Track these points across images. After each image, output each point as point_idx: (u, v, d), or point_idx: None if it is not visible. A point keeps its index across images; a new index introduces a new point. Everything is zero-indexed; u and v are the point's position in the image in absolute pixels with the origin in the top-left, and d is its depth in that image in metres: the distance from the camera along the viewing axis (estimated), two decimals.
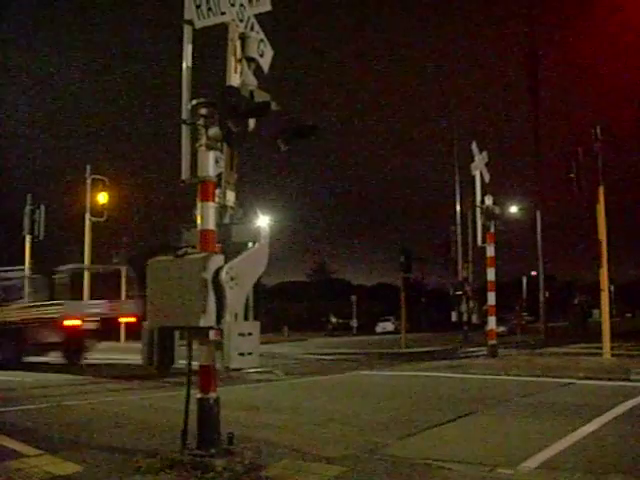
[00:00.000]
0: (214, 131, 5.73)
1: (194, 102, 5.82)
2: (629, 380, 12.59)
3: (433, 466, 5.88)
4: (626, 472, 5.65)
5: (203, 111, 5.77)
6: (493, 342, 19.21)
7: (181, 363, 5.80)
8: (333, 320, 63.37)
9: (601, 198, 17.16)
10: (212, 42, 6.40)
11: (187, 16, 6.00)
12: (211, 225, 5.76)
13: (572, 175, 17.49)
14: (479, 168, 19.95)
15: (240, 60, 6.08)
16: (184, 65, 6.00)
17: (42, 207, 27.16)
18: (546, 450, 6.44)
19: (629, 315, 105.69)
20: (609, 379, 12.74)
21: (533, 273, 63.14)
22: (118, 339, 34.89)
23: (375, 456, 6.33)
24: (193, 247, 5.76)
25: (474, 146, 20.18)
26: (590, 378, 12.96)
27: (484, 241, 19.31)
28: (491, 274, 19.48)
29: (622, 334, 30.27)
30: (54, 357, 18.61)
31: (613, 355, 17.12)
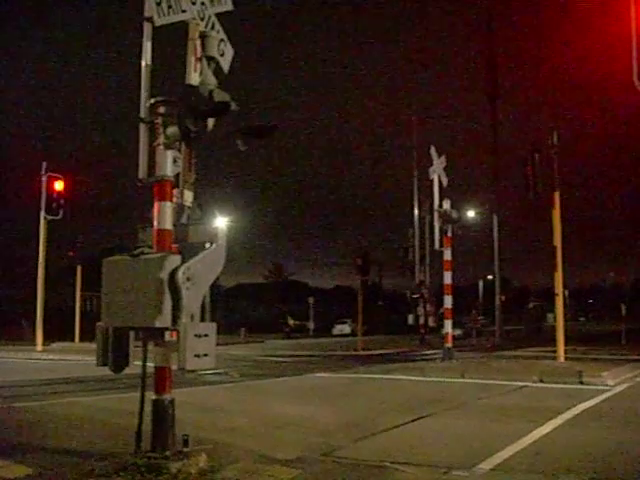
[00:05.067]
0: (172, 130, 5.67)
1: (153, 100, 5.76)
2: (582, 383, 12.76)
3: (388, 468, 5.89)
4: (579, 473, 5.72)
5: (162, 110, 5.70)
6: (449, 345, 19.32)
7: (136, 364, 5.72)
8: (290, 322, 63.13)
9: (556, 203, 17.36)
10: (173, 40, 6.34)
11: (147, 13, 5.93)
12: (168, 225, 5.70)
13: (528, 180, 17.68)
14: (437, 172, 20.06)
15: (200, 59, 6.02)
16: (143, 63, 5.93)
17: None
18: (501, 452, 6.50)
19: (582, 319, 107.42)
20: (562, 382, 12.90)
21: (489, 277, 63.80)
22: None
23: (331, 458, 6.32)
24: (150, 247, 5.69)
25: (433, 150, 20.28)
26: (544, 381, 13.11)
27: (441, 245, 19.41)
28: (448, 278, 19.60)
29: (575, 338, 30.70)
30: None
31: (567, 358, 17.33)
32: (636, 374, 14.46)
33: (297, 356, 27.06)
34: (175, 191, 5.87)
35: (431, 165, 20.30)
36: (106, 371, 5.71)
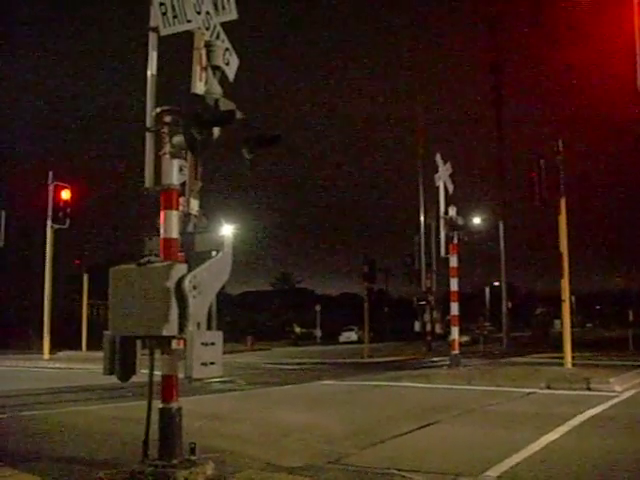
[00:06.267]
0: (178, 139, 5.69)
1: (158, 109, 5.78)
2: (589, 390, 12.73)
3: (395, 476, 5.89)
4: None
5: (167, 119, 5.73)
6: (456, 352, 19.29)
7: (143, 373, 5.74)
8: (297, 330, 63.16)
9: (563, 210, 17.33)
10: (178, 50, 6.37)
11: (153, 23, 5.96)
12: (174, 233, 5.72)
13: (534, 187, 17.65)
14: (443, 179, 20.06)
15: (205, 68, 6.05)
16: (149, 72, 5.96)
17: (3, 213, 26.76)
18: (508, 459, 6.48)
19: (589, 325, 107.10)
20: (570, 389, 12.87)
21: (496, 283, 63.68)
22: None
23: (337, 466, 6.32)
24: (156, 256, 5.71)
25: (438, 157, 20.29)
26: (551, 388, 13.08)
27: (447, 252, 19.41)
28: (454, 284, 19.58)
29: (583, 344, 30.62)
30: None
31: (574, 365, 17.28)
32: None
33: (304, 364, 27.06)
34: (181, 200, 5.89)
35: (437, 172, 20.31)
36: (113, 380, 5.72)
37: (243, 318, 67.86)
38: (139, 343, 5.67)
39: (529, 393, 12.47)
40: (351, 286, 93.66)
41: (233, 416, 9.95)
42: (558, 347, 20.41)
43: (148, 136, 5.86)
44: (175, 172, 5.78)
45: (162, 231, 5.73)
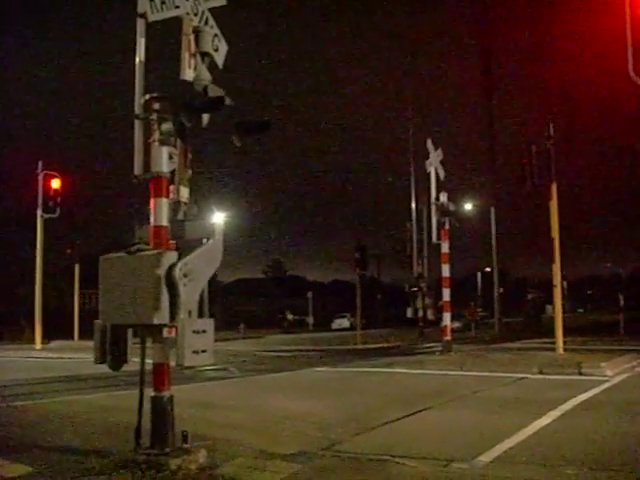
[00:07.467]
0: (167, 126, 5.65)
1: (147, 96, 5.74)
2: (581, 374, 12.78)
3: (388, 462, 5.89)
4: (578, 464, 5.71)
5: (156, 106, 5.69)
6: (448, 338, 19.34)
7: (134, 361, 5.72)
8: (289, 317, 63.21)
9: (554, 195, 17.35)
10: (167, 36, 6.31)
11: (140, 9, 5.91)
12: (164, 221, 5.69)
13: (525, 172, 17.65)
14: (434, 165, 20.05)
15: (194, 55, 6.01)
16: (137, 59, 5.91)
17: None
18: (501, 444, 6.50)
19: (581, 310, 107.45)
20: (562, 373, 12.91)
21: (487, 269, 63.78)
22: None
23: (330, 453, 6.33)
24: (146, 244, 5.68)
25: (429, 143, 20.26)
26: (543, 373, 13.12)
27: (439, 238, 19.41)
28: (445, 270, 19.60)
29: (574, 329, 30.74)
30: None
31: (565, 350, 17.35)
32: (635, 364, 14.48)
33: (296, 351, 27.08)
34: (171, 187, 5.86)
35: (428, 158, 20.29)
36: (104, 369, 5.69)
37: (235, 305, 67.77)
38: (130, 332, 5.66)
39: (521, 378, 12.51)
40: (342, 273, 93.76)
41: (226, 404, 9.94)
42: (550, 332, 20.47)
43: (137, 123, 5.82)
44: (165, 159, 5.75)
45: (152, 219, 5.70)
